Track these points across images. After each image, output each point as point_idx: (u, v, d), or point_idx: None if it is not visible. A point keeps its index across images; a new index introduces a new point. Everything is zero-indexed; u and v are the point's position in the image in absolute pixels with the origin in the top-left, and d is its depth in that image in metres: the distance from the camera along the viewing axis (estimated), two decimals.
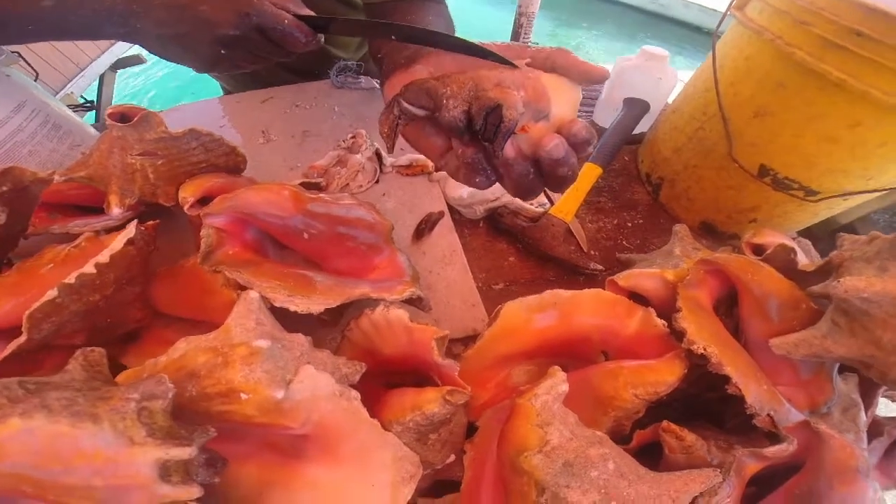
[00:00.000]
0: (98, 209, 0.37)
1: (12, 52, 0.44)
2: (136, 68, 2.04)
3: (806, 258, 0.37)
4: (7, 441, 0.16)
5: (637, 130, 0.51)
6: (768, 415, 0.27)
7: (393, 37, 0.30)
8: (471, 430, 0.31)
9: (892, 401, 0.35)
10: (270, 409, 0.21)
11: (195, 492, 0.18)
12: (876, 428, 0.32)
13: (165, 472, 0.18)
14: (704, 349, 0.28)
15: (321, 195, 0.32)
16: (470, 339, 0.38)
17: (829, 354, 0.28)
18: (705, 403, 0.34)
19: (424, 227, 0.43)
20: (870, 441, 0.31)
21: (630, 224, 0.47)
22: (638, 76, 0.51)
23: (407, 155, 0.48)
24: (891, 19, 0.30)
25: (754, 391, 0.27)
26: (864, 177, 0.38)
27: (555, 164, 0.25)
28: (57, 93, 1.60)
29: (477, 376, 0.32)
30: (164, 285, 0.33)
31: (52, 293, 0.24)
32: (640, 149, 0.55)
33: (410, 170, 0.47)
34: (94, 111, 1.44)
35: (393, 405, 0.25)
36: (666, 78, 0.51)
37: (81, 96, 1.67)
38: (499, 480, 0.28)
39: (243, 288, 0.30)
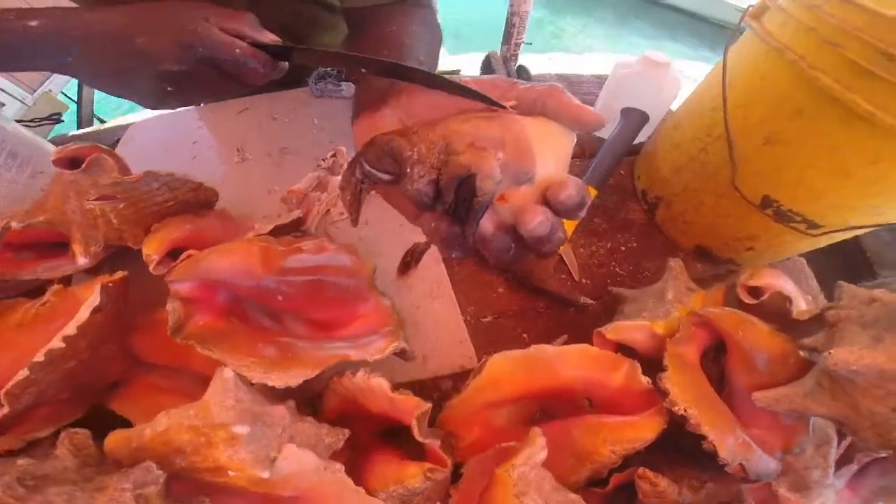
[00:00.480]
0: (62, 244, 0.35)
1: None
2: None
3: (793, 287, 0.36)
4: None
5: (638, 140, 0.48)
6: (740, 464, 0.28)
7: (363, 70, 0.27)
8: (456, 469, 0.31)
9: None
10: (258, 483, 0.22)
11: None
12: (847, 455, 0.33)
13: None
14: (685, 410, 0.28)
15: (298, 244, 0.30)
16: (458, 376, 0.38)
17: (808, 411, 0.28)
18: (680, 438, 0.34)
19: (410, 260, 0.41)
20: (840, 468, 0.32)
21: (623, 248, 0.46)
22: (639, 84, 0.48)
23: None
24: None
25: (729, 445, 0.28)
26: (872, 213, 0.36)
27: (538, 241, 0.22)
28: (35, 91, 1.52)
29: (462, 420, 0.33)
30: (144, 338, 0.32)
31: (23, 373, 0.24)
32: (638, 161, 0.52)
33: None
34: (62, 122, 1.33)
35: (377, 474, 0.26)
36: (668, 87, 0.48)
37: (62, 92, 1.57)
38: None
39: None
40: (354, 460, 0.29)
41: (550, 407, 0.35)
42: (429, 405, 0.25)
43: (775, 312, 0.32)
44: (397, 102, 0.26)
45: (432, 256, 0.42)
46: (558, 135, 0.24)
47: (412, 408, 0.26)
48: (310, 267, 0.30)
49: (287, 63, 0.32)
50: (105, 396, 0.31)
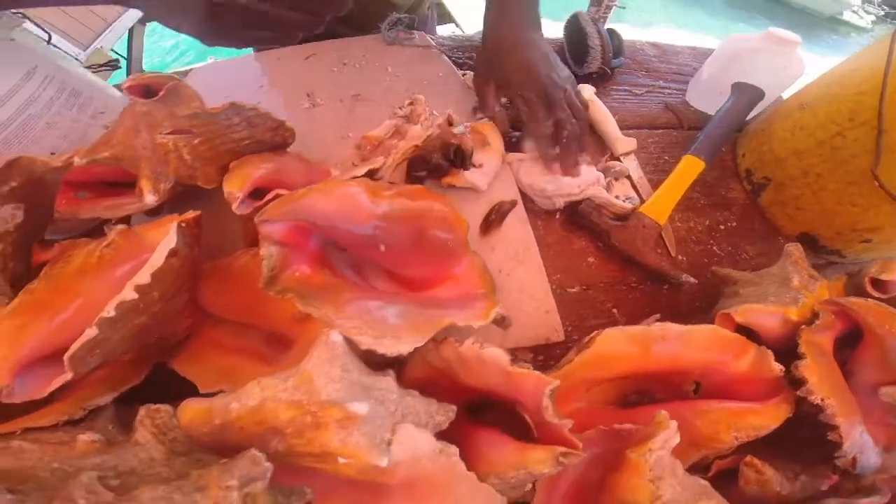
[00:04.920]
0: (132, 184, 0.33)
1: (16, 14, 0.37)
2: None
3: None
4: None
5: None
6: (854, 456, 0.27)
7: None
8: None
9: None
10: (368, 471, 0.20)
11: None
12: None
13: None
14: (822, 400, 0.27)
15: (397, 188, 0.28)
16: (540, 349, 0.37)
17: None
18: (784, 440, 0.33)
19: (494, 218, 0.39)
20: None
21: (722, 227, 0.43)
22: (758, 60, 0.44)
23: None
24: None
25: (854, 438, 0.27)
26: None
27: None
28: (87, 47, 1.49)
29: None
30: (213, 287, 0.30)
31: (91, 331, 0.21)
32: (741, 139, 0.49)
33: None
34: (119, 69, 1.33)
35: (491, 458, 0.23)
36: (792, 67, 0.44)
37: (112, 50, 1.54)
38: (573, 501, 0.27)
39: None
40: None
41: (649, 388, 0.34)
42: (557, 382, 0.23)
43: None
44: None
45: (517, 217, 0.40)
46: None
47: (535, 384, 0.23)
48: (412, 214, 0.28)
49: None
50: (167, 355, 0.29)
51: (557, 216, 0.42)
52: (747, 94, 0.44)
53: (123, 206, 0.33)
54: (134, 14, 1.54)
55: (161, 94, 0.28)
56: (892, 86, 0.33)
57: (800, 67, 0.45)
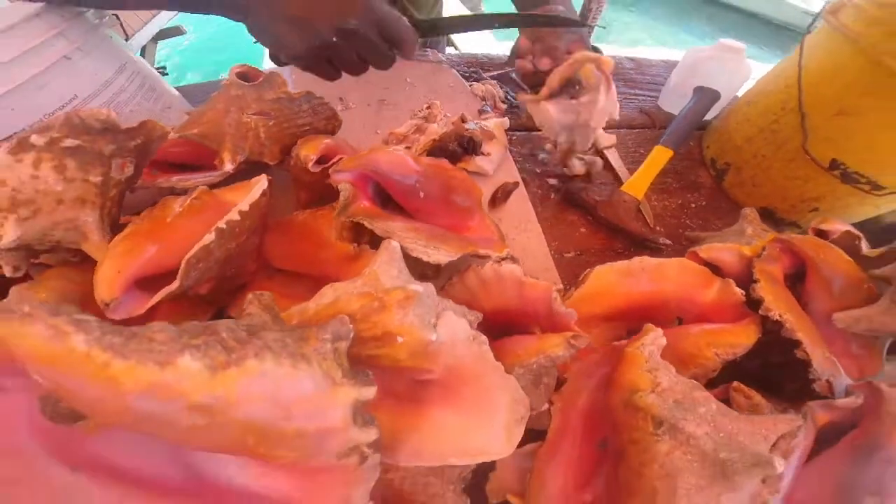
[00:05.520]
0: (191, 167, 0.40)
1: (113, 15, 0.46)
2: (174, 41, 2.08)
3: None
4: (243, 385, 0.15)
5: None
6: (827, 381, 0.32)
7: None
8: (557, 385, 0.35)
9: None
10: (419, 351, 0.23)
11: (374, 433, 0.20)
12: None
13: (355, 414, 0.19)
14: (780, 316, 0.32)
15: (430, 159, 0.36)
16: None
17: (885, 329, 0.32)
18: (765, 373, 0.38)
19: (500, 196, 0.47)
20: None
21: (693, 205, 0.51)
22: (713, 66, 0.55)
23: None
24: None
25: (819, 357, 0.32)
26: None
27: None
28: None
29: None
30: (277, 238, 0.37)
31: (208, 237, 0.27)
32: (706, 135, 0.59)
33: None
34: (167, 76, 1.46)
35: (516, 351, 0.29)
36: (740, 71, 0.55)
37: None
38: (589, 422, 0.32)
39: (361, 240, 0.35)
40: None
41: (640, 329, 0.40)
42: (561, 285, 0.30)
43: (847, 250, 0.37)
44: None
45: (519, 195, 0.48)
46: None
47: (544, 289, 0.30)
48: (442, 174, 0.35)
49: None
50: (229, 300, 0.35)
51: (552, 196, 0.50)
52: (706, 96, 0.53)
53: (195, 179, 0.40)
54: (148, 32, 1.64)
55: (259, 80, 0.36)
56: (805, 79, 0.43)
57: (747, 71, 0.55)
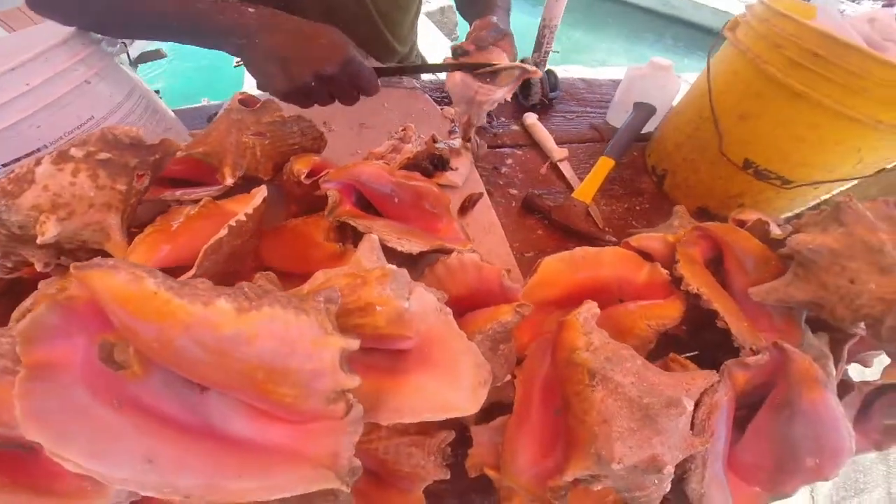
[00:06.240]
0: (192, 183, 0.46)
1: (121, 43, 0.52)
2: (156, 64, 2.15)
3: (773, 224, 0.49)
4: (261, 324, 0.21)
5: (647, 130, 0.64)
6: (751, 349, 0.37)
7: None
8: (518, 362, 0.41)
9: (865, 366, 0.45)
10: (395, 319, 0.28)
11: (357, 380, 0.24)
12: (848, 387, 0.42)
13: (342, 361, 0.23)
14: (697, 289, 0.39)
15: (403, 171, 0.43)
16: None
17: (792, 299, 0.39)
18: (704, 353, 0.44)
19: (468, 205, 0.54)
20: (842, 397, 0.40)
21: (638, 208, 0.59)
22: (647, 83, 0.64)
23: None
24: (839, 44, 0.42)
25: (736, 326, 0.38)
26: (826, 168, 0.50)
27: None
28: None
29: (520, 323, 0.43)
30: (272, 240, 0.43)
31: (223, 232, 0.32)
32: (648, 145, 0.67)
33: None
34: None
35: (476, 320, 0.35)
36: (670, 85, 0.64)
37: None
38: (546, 393, 0.38)
39: (345, 241, 0.41)
40: None
41: None
42: (509, 268, 0.36)
43: (758, 234, 0.44)
44: None
45: (484, 204, 0.55)
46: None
47: (496, 270, 0.37)
48: (413, 187, 0.42)
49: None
50: None
51: (514, 204, 0.57)
52: (643, 110, 0.62)
53: (197, 193, 0.46)
54: (130, 54, 1.71)
55: (257, 106, 0.43)
56: (714, 88, 0.52)
57: (676, 85, 0.64)
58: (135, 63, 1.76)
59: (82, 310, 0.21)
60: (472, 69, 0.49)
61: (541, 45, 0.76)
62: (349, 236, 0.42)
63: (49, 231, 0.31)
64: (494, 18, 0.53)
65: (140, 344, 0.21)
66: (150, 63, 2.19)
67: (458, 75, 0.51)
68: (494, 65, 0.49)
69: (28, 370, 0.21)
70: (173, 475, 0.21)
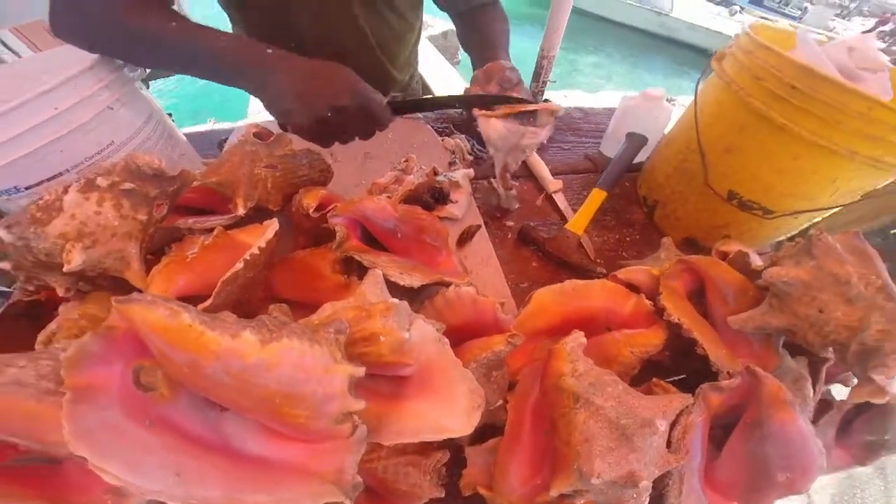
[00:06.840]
0: (204, 211, 0.48)
1: (139, 70, 0.55)
2: (166, 81, 2.22)
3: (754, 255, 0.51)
4: (281, 354, 0.24)
5: (639, 160, 0.67)
6: (728, 373, 0.40)
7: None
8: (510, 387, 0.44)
9: (846, 385, 0.47)
10: (397, 348, 0.30)
11: (363, 404, 0.26)
12: (827, 405, 0.45)
13: (350, 386, 0.26)
14: (678, 319, 0.42)
15: (405, 206, 0.47)
16: None
17: (769, 326, 0.42)
18: (688, 379, 0.47)
19: (465, 237, 0.58)
20: (822, 416, 0.44)
21: (629, 239, 0.62)
22: (640, 114, 0.67)
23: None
24: (816, 77, 0.43)
25: (714, 353, 0.41)
26: (806, 198, 0.52)
27: None
28: None
29: (512, 351, 0.46)
30: (282, 272, 0.46)
31: (238, 265, 0.35)
32: (640, 175, 0.71)
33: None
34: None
35: (471, 349, 0.38)
36: (661, 115, 0.67)
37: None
38: (536, 416, 0.40)
39: (350, 273, 0.44)
40: None
41: None
42: (504, 300, 0.40)
43: (739, 265, 0.48)
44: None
45: (482, 236, 0.59)
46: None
47: (490, 302, 0.40)
48: (415, 219, 0.46)
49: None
50: None
51: (509, 236, 0.61)
52: (635, 140, 0.65)
53: (210, 222, 0.49)
54: (138, 73, 1.78)
55: (270, 140, 0.46)
56: (701, 120, 0.55)
57: (666, 115, 0.68)
58: (146, 80, 1.84)
59: (121, 339, 0.24)
60: (489, 103, 0.52)
61: (539, 75, 0.81)
62: (354, 268, 0.45)
63: (75, 260, 0.33)
64: (505, 62, 0.56)
65: (174, 370, 0.24)
66: (160, 80, 2.25)
67: (499, 123, 0.52)
68: (521, 99, 0.52)
69: (73, 393, 0.24)
70: (198, 488, 0.24)
